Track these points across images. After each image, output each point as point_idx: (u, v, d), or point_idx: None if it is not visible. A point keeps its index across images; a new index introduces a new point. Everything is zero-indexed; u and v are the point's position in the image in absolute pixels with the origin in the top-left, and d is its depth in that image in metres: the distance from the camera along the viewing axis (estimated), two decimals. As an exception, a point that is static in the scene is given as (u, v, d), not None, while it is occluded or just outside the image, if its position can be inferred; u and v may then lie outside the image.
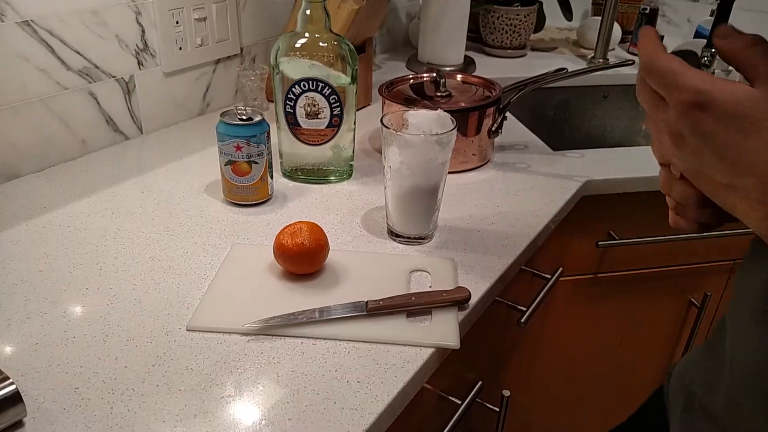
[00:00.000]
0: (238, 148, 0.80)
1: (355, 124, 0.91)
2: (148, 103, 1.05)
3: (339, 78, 0.86)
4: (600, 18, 1.51)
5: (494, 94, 0.99)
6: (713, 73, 0.39)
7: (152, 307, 0.65)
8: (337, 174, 0.93)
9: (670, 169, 0.44)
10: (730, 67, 0.43)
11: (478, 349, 0.88)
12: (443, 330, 0.63)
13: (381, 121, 0.74)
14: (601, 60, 1.53)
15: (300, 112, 0.87)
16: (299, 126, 0.88)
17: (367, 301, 0.64)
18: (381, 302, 0.64)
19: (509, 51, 1.60)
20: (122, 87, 1.00)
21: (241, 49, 1.18)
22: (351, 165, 0.94)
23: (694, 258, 1.16)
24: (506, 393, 0.85)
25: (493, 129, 0.99)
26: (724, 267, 1.19)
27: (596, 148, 1.08)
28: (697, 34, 1.65)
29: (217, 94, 1.17)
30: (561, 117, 1.54)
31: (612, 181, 0.99)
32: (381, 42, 1.60)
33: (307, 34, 0.85)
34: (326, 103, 0.86)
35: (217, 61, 1.15)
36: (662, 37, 1.45)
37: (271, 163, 0.85)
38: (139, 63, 1.01)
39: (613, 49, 1.65)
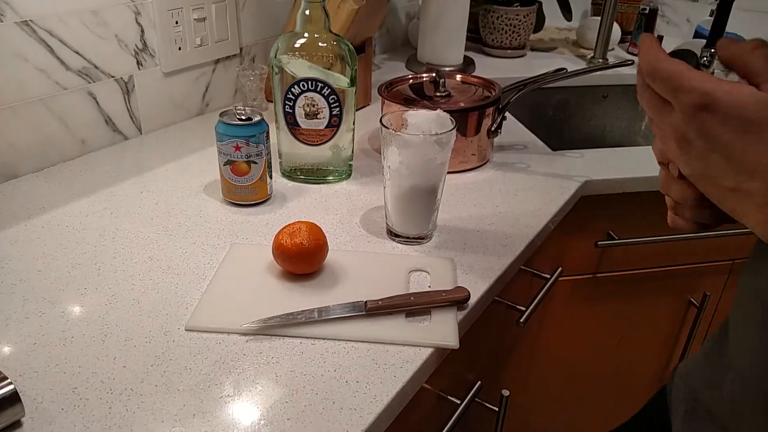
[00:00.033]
0: (237, 148, 0.80)
1: (354, 124, 0.91)
2: (147, 103, 1.05)
3: (339, 80, 0.85)
4: (599, 18, 1.51)
5: (494, 94, 0.99)
6: (713, 73, 0.39)
7: (151, 307, 0.65)
8: (336, 174, 0.93)
9: (669, 169, 0.44)
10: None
11: (478, 349, 0.88)
12: (442, 330, 0.63)
13: (380, 121, 0.74)
14: (600, 60, 1.53)
15: (299, 112, 0.87)
16: (298, 126, 0.88)
17: (366, 301, 0.64)
18: (380, 302, 0.64)
19: (509, 51, 1.60)
20: (121, 87, 1.00)
21: (241, 49, 1.18)
22: (350, 165, 0.94)
23: (694, 258, 1.16)
24: (505, 393, 0.85)
25: (493, 129, 0.99)
26: (723, 267, 1.19)
27: (595, 148, 1.08)
28: (697, 34, 1.65)
29: (217, 94, 1.17)
30: (560, 117, 1.54)
31: (611, 181, 0.98)
32: (380, 42, 1.60)
33: (306, 34, 0.85)
34: (325, 103, 0.86)
35: (217, 61, 1.15)
36: (661, 38, 1.45)
37: (270, 163, 0.85)
38: (139, 63, 1.01)
39: (613, 49, 1.65)
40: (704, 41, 1.41)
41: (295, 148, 0.91)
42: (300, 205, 0.87)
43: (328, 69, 0.85)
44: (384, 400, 0.55)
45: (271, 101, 0.93)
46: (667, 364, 1.33)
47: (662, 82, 0.39)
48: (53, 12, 0.87)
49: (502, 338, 1.01)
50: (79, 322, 0.63)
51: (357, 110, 0.95)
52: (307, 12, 0.84)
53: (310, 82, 0.85)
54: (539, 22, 1.66)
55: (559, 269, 0.97)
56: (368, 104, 1.24)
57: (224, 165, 0.82)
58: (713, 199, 0.40)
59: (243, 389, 0.55)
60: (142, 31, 1.00)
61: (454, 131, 0.73)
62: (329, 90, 0.85)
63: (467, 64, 1.47)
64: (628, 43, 1.67)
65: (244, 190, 0.83)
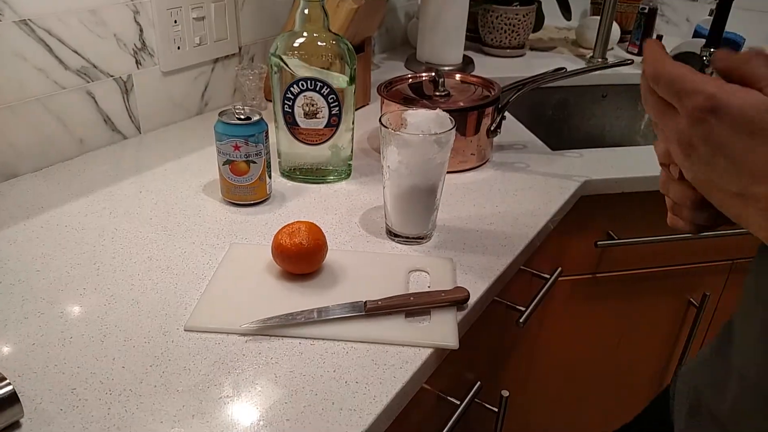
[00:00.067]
0: (237, 147, 0.80)
1: (353, 123, 0.91)
2: (146, 103, 1.05)
3: (338, 79, 0.85)
4: (599, 17, 1.51)
5: (493, 93, 0.99)
6: (711, 74, 0.39)
7: (150, 307, 0.65)
8: (335, 174, 0.93)
9: (670, 170, 0.44)
10: None
11: (477, 349, 0.88)
12: (442, 330, 0.63)
13: (380, 120, 0.74)
14: (599, 59, 1.53)
15: (298, 111, 0.87)
16: (297, 125, 0.88)
17: (365, 301, 0.64)
18: (379, 302, 0.64)
19: (508, 50, 1.60)
20: (120, 86, 1.00)
21: (240, 49, 1.18)
22: (349, 165, 0.94)
23: (693, 258, 1.16)
24: (505, 393, 0.85)
25: (492, 129, 0.99)
26: (722, 267, 1.19)
27: (595, 147, 1.08)
28: (696, 34, 1.65)
29: (216, 94, 1.17)
30: (560, 117, 1.54)
31: (611, 181, 0.98)
32: (380, 41, 1.60)
33: (305, 34, 0.84)
34: (325, 102, 0.86)
35: (216, 61, 1.14)
36: (660, 37, 1.45)
37: (270, 162, 0.84)
38: (137, 62, 1.01)
39: (612, 48, 1.65)
40: (704, 41, 1.41)
41: (295, 148, 0.90)
42: (299, 204, 0.86)
43: (327, 69, 0.85)
44: (383, 400, 0.55)
45: (270, 101, 0.92)
46: (666, 364, 1.33)
47: (666, 86, 0.39)
48: (52, 11, 0.87)
49: (501, 338, 1.01)
50: (78, 323, 0.62)
51: (356, 110, 0.95)
52: (306, 11, 0.83)
53: (309, 82, 0.84)
54: (538, 22, 1.66)
55: (559, 269, 0.97)
56: (367, 104, 1.24)
57: (223, 164, 0.82)
58: (716, 204, 0.40)
59: (242, 390, 0.55)
60: (141, 30, 1.00)
61: (454, 131, 0.73)
62: (328, 89, 0.85)
63: (466, 64, 1.47)
64: (627, 43, 1.67)
65: (243, 189, 0.83)
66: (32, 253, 0.73)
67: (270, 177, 0.86)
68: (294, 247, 0.67)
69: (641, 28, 1.60)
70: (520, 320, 0.85)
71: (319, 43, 0.84)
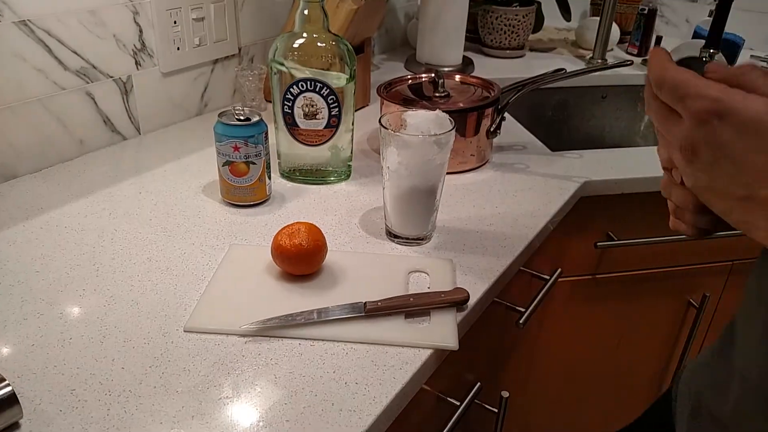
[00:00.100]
0: (236, 148, 0.80)
1: (353, 124, 0.91)
2: (145, 104, 1.05)
3: (337, 78, 0.85)
4: (598, 18, 1.51)
5: (493, 94, 0.99)
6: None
7: (149, 308, 0.65)
8: (335, 175, 0.93)
9: (672, 174, 0.44)
10: None
11: (477, 350, 0.88)
12: (442, 331, 0.63)
13: (379, 121, 0.74)
14: (599, 60, 1.53)
15: (298, 112, 0.87)
16: (297, 126, 0.88)
17: (365, 302, 0.64)
18: (379, 303, 0.64)
19: (508, 51, 1.60)
20: (120, 87, 1.00)
21: (239, 50, 1.18)
22: (349, 165, 0.94)
23: (693, 259, 1.16)
24: (505, 394, 0.85)
25: (492, 129, 0.99)
26: (722, 268, 1.19)
27: (595, 148, 1.08)
28: (696, 35, 1.65)
29: (215, 95, 1.17)
30: (559, 117, 1.54)
31: (610, 182, 0.98)
32: (379, 42, 1.60)
33: (305, 35, 0.84)
34: (324, 103, 0.86)
35: (215, 62, 1.14)
36: (660, 38, 1.45)
37: (269, 163, 0.84)
38: (137, 63, 1.01)
39: (612, 49, 1.65)
40: (703, 41, 1.41)
41: (294, 149, 0.90)
42: (299, 205, 0.86)
43: (327, 69, 0.85)
44: (383, 401, 0.55)
45: (270, 101, 0.92)
46: (666, 365, 1.33)
47: (669, 91, 0.39)
48: (51, 12, 0.87)
49: (501, 339, 1.01)
50: (77, 324, 0.62)
51: (356, 111, 0.95)
52: (305, 12, 0.83)
53: (308, 83, 0.84)
54: (538, 23, 1.66)
55: (559, 270, 0.97)
56: (367, 105, 1.24)
57: (223, 165, 0.82)
58: (718, 211, 0.40)
59: (242, 391, 0.55)
60: (141, 31, 1.00)
61: (453, 132, 0.73)
62: (328, 90, 0.85)
63: (466, 65, 1.47)
64: (627, 44, 1.67)
65: (243, 190, 0.83)
66: (32, 254, 0.73)
67: (270, 178, 0.86)
68: (294, 248, 0.67)
69: (641, 29, 1.60)
70: (520, 321, 0.85)
71: (318, 44, 0.84)
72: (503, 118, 0.99)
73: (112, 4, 0.94)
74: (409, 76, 1.07)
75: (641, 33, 1.60)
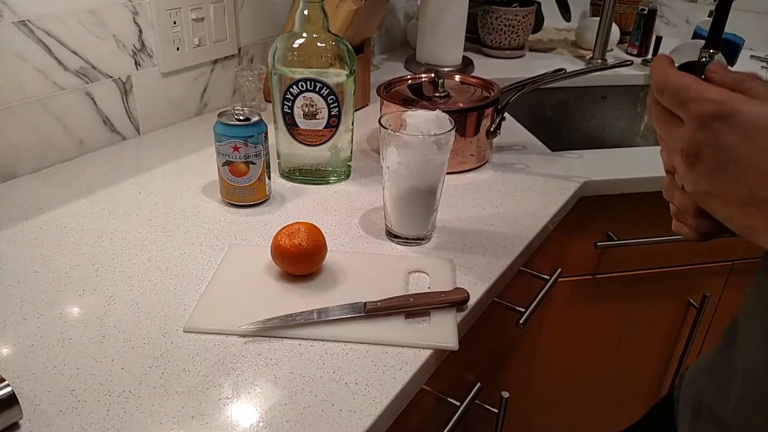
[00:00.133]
0: (236, 148, 0.80)
1: (353, 124, 0.91)
2: (145, 104, 1.05)
3: (337, 75, 0.85)
4: (598, 18, 1.51)
5: (492, 94, 0.99)
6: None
7: (149, 308, 0.65)
8: (335, 175, 0.93)
9: (675, 178, 0.44)
10: None
11: (477, 350, 0.88)
12: (442, 331, 0.62)
13: (379, 121, 0.74)
14: (599, 60, 1.53)
15: (298, 112, 0.87)
16: (297, 126, 0.88)
17: (365, 303, 0.64)
18: (379, 303, 0.64)
19: (507, 51, 1.60)
20: (119, 87, 1.00)
21: (239, 50, 1.18)
22: (349, 166, 0.94)
23: (693, 259, 1.16)
24: (505, 394, 0.85)
25: (492, 129, 0.99)
26: (722, 268, 1.19)
27: (595, 148, 1.08)
28: (696, 35, 1.65)
29: (215, 95, 1.17)
30: (559, 117, 1.54)
31: (610, 182, 0.98)
32: (379, 42, 1.60)
33: (305, 35, 0.84)
34: (324, 103, 0.86)
35: (215, 62, 1.14)
36: (660, 39, 1.44)
37: (269, 163, 0.84)
38: (137, 63, 1.01)
39: (612, 49, 1.65)
40: (703, 42, 1.41)
41: (294, 149, 0.90)
42: (299, 205, 0.86)
43: (326, 69, 0.85)
44: (383, 402, 0.54)
45: (270, 101, 0.92)
46: (666, 365, 1.33)
47: (670, 95, 0.39)
48: (51, 12, 0.87)
49: (501, 339, 1.01)
50: (77, 324, 0.62)
51: (356, 111, 0.95)
52: (305, 12, 0.83)
53: (308, 83, 0.84)
54: (538, 23, 1.66)
55: (559, 270, 0.97)
56: (367, 105, 1.24)
57: (222, 165, 0.82)
58: (720, 216, 0.39)
59: (242, 391, 0.55)
60: (140, 31, 1.00)
61: (453, 132, 0.73)
62: (328, 90, 0.85)
63: (466, 65, 1.47)
64: (627, 44, 1.67)
65: (243, 190, 0.83)
66: (31, 254, 0.73)
67: (269, 178, 0.86)
68: (293, 248, 0.67)
69: (641, 30, 1.60)
70: (520, 321, 0.85)
71: (318, 44, 0.84)
72: (503, 118, 0.99)
73: (111, 4, 0.94)
74: (408, 76, 1.07)
75: (641, 33, 1.60)
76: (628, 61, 1.04)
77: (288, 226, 0.70)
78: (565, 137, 1.55)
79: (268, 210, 0.85)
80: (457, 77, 1.07)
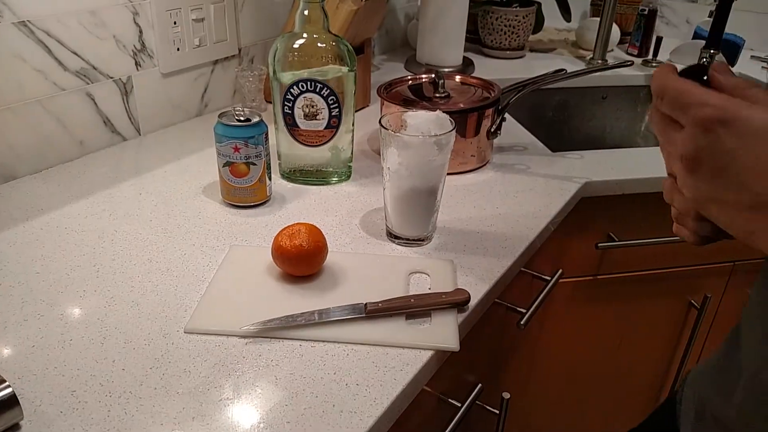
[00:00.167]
0: (236, 149, 0.79)
1: (353, 125, 0.90)
2: (145, 104, 1.05)
3: (338, 71, 0.85)
4: (598, 19, 1.51)
5: (493, 95, 0.99)
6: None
7: (150, 309, 0.65)
8: (335, 175, 0.93)
9: (677, 181, 0.43)
10: None
11: (478, 351, 0.88)
12: (442, 332, 0.62)
13: (380, 122, 0.74)
14: (599, 61, 1.53)
15: (298, 113, 0.87)
16: (297, 127, 0.88)
17: (366, 303, 0.64)
18: (380, 304, 0.64)
19: (508, 52, 1.60)
20: (120, 88, 1.00)
21: (240, 50, 1.18)
22: (350, 166, 0.94)
23: (694, 259, 1.16)
24: (506, 395, 0.85)
25: (492, 130, 0.98)
26: (724, 269, 1.19)
27: (595, 149, 1.08)
28: (696, 35, 1.65)
29: (215, 95, 1.17)
30: (560, 118, 1.54)
31: (611, 183, 0.98)
32: (379, 43, 1.60)
33: (305, 35, 0.84)
34: (324, 104, 0.86)
35: (215, 62, 1.14)
36: (660, 39, 1.44)
37: (270, 164, 0.84)
38: (137, 64, 1.01)
39: (612, 50, 1.65)
40: (703, 42, 1.41)
41: (295, 149, 0.90)
42: (299, 206, 0.86)
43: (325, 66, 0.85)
44: (384, 403, 0.54)
45: (270, 102, 0.92)
46: (668, 366, 1.32)
47: (670, 100, 0.39)
48: (51, 12, 0.87)
49: (502, 340, 1.01)
50: (77, 325, 0.62)
51: (356, 111, 0.95)
52: (305, 12, 0.83)
53: (309, 83, 0.84)
54: (538, 23, 1.66)
55: (560, 271, 0.97)
56: (367, 105, 1.24)
57: (223, 166, 0.82)
58: (722, 222, 0.39)
59: (242, 392, 0.55)
60: (141, 31, 1.00)
61: (454, 132, 0.73)
62: (328, 91, 0.85)
63: (466, 65, 1.47)
64: (627, 44, 1.67)
65: (243, 191, 0.83)
66: (32, 255, 0.73)
67: (270, 179, 0.85)
68: (294, 248, 0.67)
69: (641, 30, 1.60)
70: (521, 322, 0.85)
71: (319, 45, 0.84)
72: (503, 119, 0.99)
73: (112, 4, 0.94)
74: (409, 77, 1.07)
75: (641, 33, 1.60)
76: (629, 61, 1.04)
77: (289, 226, 0.70)
78: (565, 138, 1.55)
79: (269, 211, 0.85)
80: (458, 78, 1.07)
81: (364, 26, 1.14)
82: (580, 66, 1.55)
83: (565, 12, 1.65)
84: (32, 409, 0.52)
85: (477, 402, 0.77)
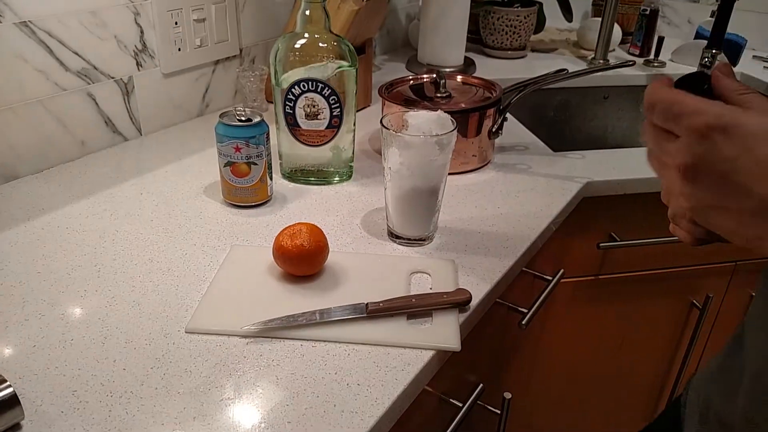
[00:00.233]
0: (237, 149, 0.79)
1: (354, 125, 0.90)
2: (146, 104, 1.05)
3: (339, 65, 0.85)
4: (600, 19, 1.51)
5: (494, 95, 0.99)
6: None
7: (151, 309, 0.65)
8: (337, 175, 0.93)
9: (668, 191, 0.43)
10: None
11: (479, 351, 0.88)
12: (444, 332, 0.62)
13: (381, 122, 0.73)
14: (601, 61, 1.53)
15: (299, 113, 0.87)
16: (299, 127, 0.88)
17: (367, 303, 0.64)
18: (381, 304, 0.64)
19: (509, 52, 1.60)
20: (121, 88, 1.00)
21: (241, 50, 1.18)
22: (351, 166, 0.94)
23: (696, 259, 1.15)
24: (507, 395, 0.85)
25: (494, 130, 0.98)
26: (725, 269, 1.19)
27: (597, 149, 1.08)
28: (698, 35, 1.65)
29: (217, 95, 1.17)
30: (561, 118, 1.54)
31: (613, 183, 0.98)
32: (381, 43, 1.60)
33: (306, 35, 0.84)
34: (326, 103, 0.86)
35: (217, 62, 1.14)
36: (662, 39, 1.43)
37: (271, 164, 0.84)
38: (138, 64, 1.01)
39: (614, 50, 1.64)
40: (705, 42, 1.41)
41: (296, 149, 0.90)
42: (300, 206, 0.86)
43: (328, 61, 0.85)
44: (385, 403, 0.54)
45: (272, 102, 0.92)
46: (669, 366, 1.32)
47: (662, 111, 0.38)
48: (52, 13, 0.87)
49: (503, 340, 1.00)
50: (78, 324, 0.62)
51: (357, 111, 0.95)
52: (307, 12, 0.83)
53: (310, 83, 0.84)
54: (540, 23, 1.66)
55: (561, 271, 0.97)
56: (368, 105, 1.24)
57: (224, 166, 0.81)
58: (725, 229, 0.39)
59: (243, 392, 0.55)
60: (142, 32, 1.00)
61: (455, 132, 0.73)
62: (329, 90, 0.85)
63: (468, 65, 1.47)
64: (629, 44, 1.67)
65: (245, 191, 0.83)
66: (33, 254, 0.73)
67: (271, 178, 0.85)
68: (295, 248, 0.67)
69: (642, 30, 1.59)
70: (523, 322, 0.85)
71: (320, 44, 0.84)
72: (505, 119, 0.99)
73: (113, 5, 0.94)
74: (410, 77, 1.07)
75: (643, 33, 1.60)
76: (630, 61, 1.04)
77: (290, 226, 0.70)
78: (567, 138, 1.55)
79: (270, 210, 0.85)
80: (459, 78, 1.07)
81: (366, 26, 1.14)
82: (582, 66, 1.55)
83: (567, 12, 1.65)
84: (33, 408, 0.52)
85: (478, 402, 0.77)
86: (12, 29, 0.83)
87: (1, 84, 0.84)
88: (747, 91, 0.39)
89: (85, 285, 0.68)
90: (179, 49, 1.05)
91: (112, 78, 0.98)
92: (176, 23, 1.03)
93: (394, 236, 0.79)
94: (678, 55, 1.59)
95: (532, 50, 1.67)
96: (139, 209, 0.84)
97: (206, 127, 1.10)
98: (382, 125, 0.73)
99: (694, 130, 0.37)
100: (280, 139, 0.91)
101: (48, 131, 0.91)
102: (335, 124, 0.88)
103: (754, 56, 1.62)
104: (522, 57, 1.62)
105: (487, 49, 1.62)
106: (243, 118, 0.80)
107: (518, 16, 1.54)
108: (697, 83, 0.41)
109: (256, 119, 0.80)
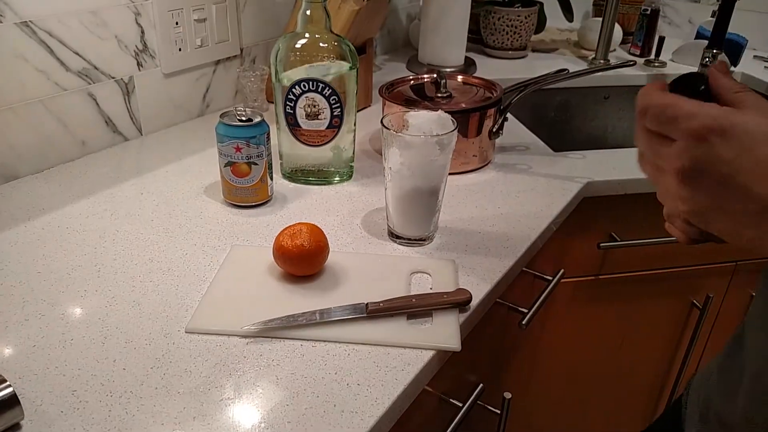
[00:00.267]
0: (238, 149, 0.79)
1: (355, 125, 0.90)
2: (147, 104, 1.05)
3: (340, 66, 0.85)
4: (601, 19, 1.51)
5: (495, 95, 0.99)
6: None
7: (151, 309, 0.65)
8: (337, 175, 0.93)
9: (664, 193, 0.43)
10: None
11: (479, 351, 0.88)
12: (444, 332, 0.62)
13: (381, 122, 0.73)
14: (602, 61, 1.53)
15: (300, 112, 0.87)
16: (299, 127, 0.88)
17: (367, 303, 0.64)
18: (381, 304, 0.64)
19: (510, 52, 1.60)
20: (122, 88, 1.00)
21: (241, 50, 1.18)
22: (351, 166, 0.94)
23: (696, 259, 1.15)
24: (507, 395, 0.85)
25: (494, 130, 0.98)
26: (726, 268, 1.19)
27: (597, 149, 1.08)
28: (699, 35, 1.65)
29: (217, 95, 1.17)
30: (562, 118, 1.54)
31: (613, 183, 0.98)
32: (381, 43, 1.60)
33: (307, 35, 0.84)
34: (326, 103, 0.86)
35: (217, 62, 1.14)
36: (663, 39, 1.43)
37: (271, 164, 0.84)
38: (139, 64, 1.01)
39: (614, 50, 1.64)
40: (706, 42, 1.41)
41: (296, 149, 0.90)
42: (301, 206, 0.86)
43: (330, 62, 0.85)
44: (385, 403, 0.54)
45: (272, 102, 0.92)
46: (669, 366, 1.32)
47: (655, 115, 0.38)
48: (53, 13, 0.87)
49: (503, 340, 1.00)
50: (78, 324, 0.62)
51: (358, 111, 0.95)
52: (308, 12, 0.83)
53: (311, 83, 0.84)
54: (540, 23, 1.66)
55: (561, 271, 0.96)
56: (369, 105, 1.24)
57: (225, 166, 0.81)
58: (725, 232, 0.38)
59: (243, 392, 0.55)
60: (142, 31, 1.00)
61: (456, 132, 0.73)
62: (330, 90, 0.85)
63: (468, 65, 1.47)
64: (629, 44, 1.67)
65: (245, 191, 0.83)
66: (33, 254, 0.73)
67: (271, 178, 0.85)
68: (295, 248, 0.67)
69: (643, 30, 1.59)
70: (523, 322, 0.85)
71: (321, 44, 0.84)
72: (505, 119, 0.99)
73: (113, 5, 0.94)
74: (411, 77, 1.07)
75: (644, 33, 1.60)
76: (631, 61, 1.04)
77: (290, 226, 0.70)
78: (567, 138, 1.55)
79: (270, 210, 0.85)
80: (460, 78, 1.07)
81: (366, 26, 1.14)
82: (582, 66, 1.55)
83: (567, 12, 1.65)
84: (33, 408, 0.52)
85: (478, 402, 0.77)
86: (12, 29, 0.83)
87: (2, 84, 0.84)
88: (742, 90, 0.39)
89: (85, 285, 0.68)
90: (180, 49, 1.05)
91: (113, 78, 0.98)
92: (177, 23, 1.03)
93: (394, 236, 0.79)
94: (679, 55, 1.59)
95: (533, 50, 1.67)
96: (140, 209, 0.84)
97: (207, 127, 1.10)
98: (383, 125, 0.73)
99: (691, 133, 0.36)
100: (280, 139, 0.91)
101: (48, 131, 0.91)
102: (336, 124, 0.88)
103: (754, 56, 1.62)
104: (522, 57, 1.62)
105: (488, 49, 1.62)
106: (243, 118, 0.80)
107: (519, 16, 1.54)
108: (692, 84, 0.40)
109: (257, 119, 0.80)
